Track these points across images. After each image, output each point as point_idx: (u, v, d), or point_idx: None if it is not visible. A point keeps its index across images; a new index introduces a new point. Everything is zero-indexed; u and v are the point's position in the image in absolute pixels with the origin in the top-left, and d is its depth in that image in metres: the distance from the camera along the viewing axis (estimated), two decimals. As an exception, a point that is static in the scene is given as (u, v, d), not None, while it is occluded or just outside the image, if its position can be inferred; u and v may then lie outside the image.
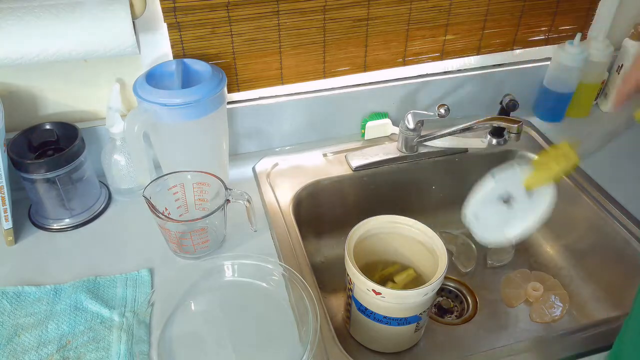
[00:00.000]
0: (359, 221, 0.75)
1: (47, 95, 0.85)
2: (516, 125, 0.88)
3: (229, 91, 0.91)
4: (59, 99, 0.86)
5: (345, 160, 0.96)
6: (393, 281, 0.79)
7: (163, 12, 0.79)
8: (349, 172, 0.95)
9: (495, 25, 0.99)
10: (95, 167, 0.85)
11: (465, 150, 0.99)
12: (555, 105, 1.07)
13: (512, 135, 0.89)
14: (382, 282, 0.77)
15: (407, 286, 0.78)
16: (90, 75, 0.84)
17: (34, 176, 0.77)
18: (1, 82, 0.81)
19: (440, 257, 0.71)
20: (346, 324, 0.81)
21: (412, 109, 0.92)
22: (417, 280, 0.79)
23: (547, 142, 1.02)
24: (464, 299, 0.90)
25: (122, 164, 0.84)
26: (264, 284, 0.75)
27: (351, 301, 0.74)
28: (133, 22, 0.73)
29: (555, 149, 0.67)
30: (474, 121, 0.89)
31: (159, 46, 0.84)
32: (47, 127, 0.82)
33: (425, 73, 1.02)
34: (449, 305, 0.90)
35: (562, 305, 0.87)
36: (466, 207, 0.71)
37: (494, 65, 1.06)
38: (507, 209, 0.70)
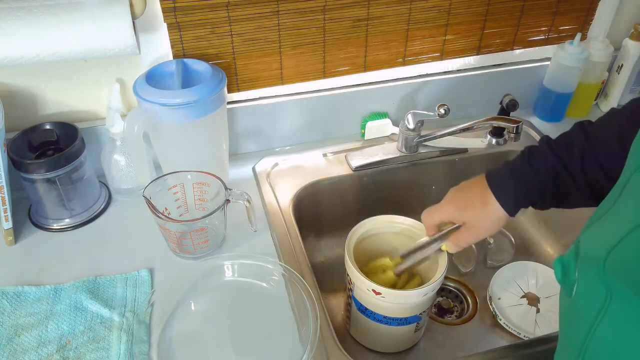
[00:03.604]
0: (359, 221, 0.75)
1: (47, 95, 0.85)
2: (516, 125, 0.88)
3: (229, 91, 0.91)
4: (59, 99, 0.86)
5: (345, 160, 0.96)
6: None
7: (163, 12, 0.79)
8: (349, 172, 0.95)
9: (495, 25, 0.99)
10: (95, 167, 0.85)
11: (465, 150, 0.99)
12: (555, 105, 1.07)
13: (512, 135, 0.89)
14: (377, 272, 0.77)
15: (406, 285, 0.78)
16: (90, 75, 0.84)
17: (34, 176, 0.77)
18: (1, 82, 0.81)
19: (440, 257, 0.71)
20: (346, 324, 0.81)
21: (412, 109, 0.92)
22: (416, 281, 0.79)
23: (547, 142, 1.02)
24: (464, 299, 0.90)
25: (122, 164, 0.84)
26: (264, 284, 0.75)
27: (351, 301, 0.74)
28: (133, 22, 0.73)
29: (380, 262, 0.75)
30: (474, 121, 0.89)
31: (159, 46, 0.84)
32: (47, 127, 0.82)
33: (425, 73, 1.02)
34: (449, 305, 0.90)
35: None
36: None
37: (494, 65, 1.06)
38: None
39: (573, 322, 0.45)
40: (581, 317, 0.43)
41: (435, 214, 0.69)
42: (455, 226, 0.68)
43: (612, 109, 0.62)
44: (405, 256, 0.73)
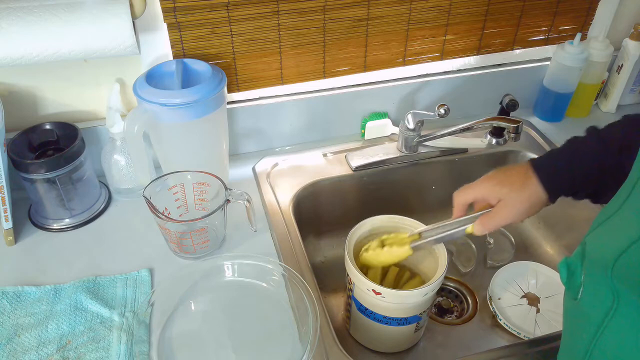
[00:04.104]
0: (359, 221, 0.75)
1: (47, 95, 0.85)
2: (516, 125, 0.88)
3: (229, 91, 0.91)
4: (59, 99, 0.86)
5: (345, 160, 0.96)
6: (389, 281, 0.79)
7: (163, 12, 0.79)
8: (349, 172, 0.95)
9: (495, 25, 0.99)
10: (95, 167, 0.85)
11: (465, 150, 0.99)
12: (555, 105, 1.07)
13: (512, 135, 0.89)
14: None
15: (406, 284, 0.78)
16: (90, 75, 0.84)
17: (34, 176, 0.77)
18: (1, 82, 0.81)
19: (440, 257, 0.71)
20: (346, 324, 0.81)
21: (412, 109, 0.92)
22: (416, 280, 0.79)
23: (547, 142, 1.02)
24: (464, 299, 0.90)
25: (122, 164, 0.84)
26: (264, 284, 0.75)
27: (351, 301, 0.74)
28: (133, 22, 0.73)
29: (396, 237, 0.72)
30: (474, 121, 0.89)
31: (159, 46, 0.84)
32: (47, 127, 0.82)
33: (425, 73, 1.02)
34: (449, 305, 0.90)
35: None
36: None
37: (494, 65, 1.06)
38: None
39: (578, 325, 0.45)
40: (587, 320, 0.43)
41: (469, 190, 0.66)
42: (485, 211, 0.65)
43: None
44: (424, 233, 0.71)
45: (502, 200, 0.63)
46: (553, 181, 0.62)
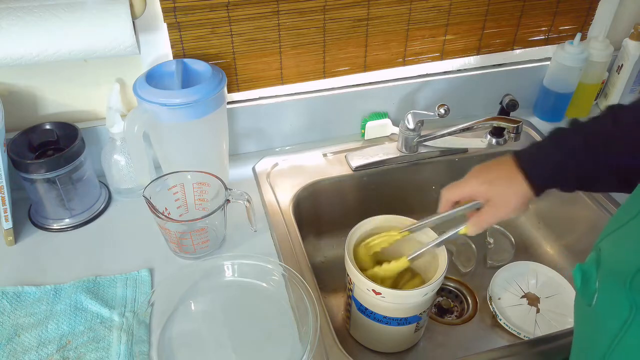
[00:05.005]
0: (359, 221, 0.75)
1: (47, 95, 0.85)
2: (516, 125, 0.88)
3: (229, 91, 0.91)
4: (59, 99, 0.86)
5: (345, 160, 0.96)
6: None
7: (163, 12, 0.79)
8: (349, 172, 0.95)
9: (495, 25, 0.99)
10: (95, 167, 0.85)
11: (465, 150, 0.99)
12: (555, 105, 1.07)
13: (512, 135, 0.89)
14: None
15: (405, 285, 0.78)
16: (90, 75, 0.84)
17: (34, 176, 0.77)
18: (1, 82, 0.81)
19: (440, 257, 0.71)
20: (346, 324, 0.81)
21: (412, 109, 0.92)
22: (416, 280, 0.79)
23: (547, 142, 1.02)
24: (464, 299, 0.90)
25: (122, 164, 0.84)
26: (264, 284, 0.75)
27: (351, 301, 0.74)
28: (133, 22, 0.73)
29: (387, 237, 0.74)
30: (474, 121, 0.89)
31: (159, 46, 0.84)
32: (47, 127, 0.82)
33: (425, 73, 1.02)
34: (449, 305, 0.90)
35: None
36: None
37: (494, 65, 1.06)
38: None
39: (593, 332, 0.45)
40: (603, 328, 0.42)
41: (457, 188, 0.67)
42: (471, 204, 0.66)
43: None
44: (413, 231, 0.72)
45: (490, 200, 0.64)
46: (538, 178, 0.62)
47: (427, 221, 0.71)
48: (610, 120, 0.60)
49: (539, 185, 0.62)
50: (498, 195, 0.63)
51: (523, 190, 0.62)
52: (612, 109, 0.61)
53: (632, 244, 0.41)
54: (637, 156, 0.56)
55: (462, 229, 0.68)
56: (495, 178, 0.64)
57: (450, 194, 0.68)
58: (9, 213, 0.77)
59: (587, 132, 0.61)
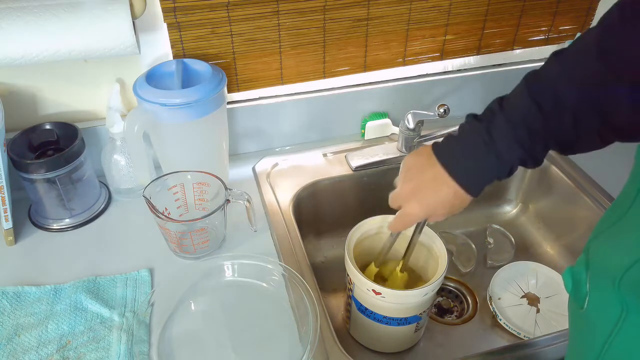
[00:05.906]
0: (359, 221, 0.75)
1: (47, 95, 0.85)
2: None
3: (229, 91, 0.91)
4: (59, 99, 0.86)
5: (345, 160, 0.96)
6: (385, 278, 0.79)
7: (163, 12, 0.79)
8: (349, 172, 0.95)
9: (495, 25, 0.99)
10: (95, 167, 0.85)
11: (465, 150, 0.99)
12: (555, 105, 1.07)
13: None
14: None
15: (406, 285, 0.78)
16: (90, 75, 0.84)
17: (34, 176, 0.77)
18: (1, 82, 0.81)
19: (440, 257, 0.71)
20: (346, 324, 0.81)
21: (412, 109, 0.92)
22: (417, 280, 0.79)
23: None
24: (464, 299, 0.90)
25: (122, 164, 0.84)
26: (264, 284, 0.75)
27: (351, 301, 0.74)
28: (133, 22, 0.73)
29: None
30: (474, 121, 0.89)
31: (159, 46, 0.84)
32: (47, 127, 0.82)
33: (425, 73, 1.02)
34: (449, 305, 0.90)
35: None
36: None
37: (494, 65, 1.06)
38: None
39: (586, 334, 0.45)
40: (595, 330, 0.42)
41: (408, 220, 0.64)
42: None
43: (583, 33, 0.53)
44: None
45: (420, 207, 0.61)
46: (475, 190, 0.58)
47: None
48: (529, 90, 0.54)
49: (474, 189, 0.58)
50: (435, 215, 0.61)
51: (456, 195, 0.58)
52: (527, 77, 0.56)
53: (620, 243, 0.41)
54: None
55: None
56: (424, 187, 0.60)
57: (403, 226, 0.66)
58: (9, 213, 0.77)
59: (510, 112, 0.56)
